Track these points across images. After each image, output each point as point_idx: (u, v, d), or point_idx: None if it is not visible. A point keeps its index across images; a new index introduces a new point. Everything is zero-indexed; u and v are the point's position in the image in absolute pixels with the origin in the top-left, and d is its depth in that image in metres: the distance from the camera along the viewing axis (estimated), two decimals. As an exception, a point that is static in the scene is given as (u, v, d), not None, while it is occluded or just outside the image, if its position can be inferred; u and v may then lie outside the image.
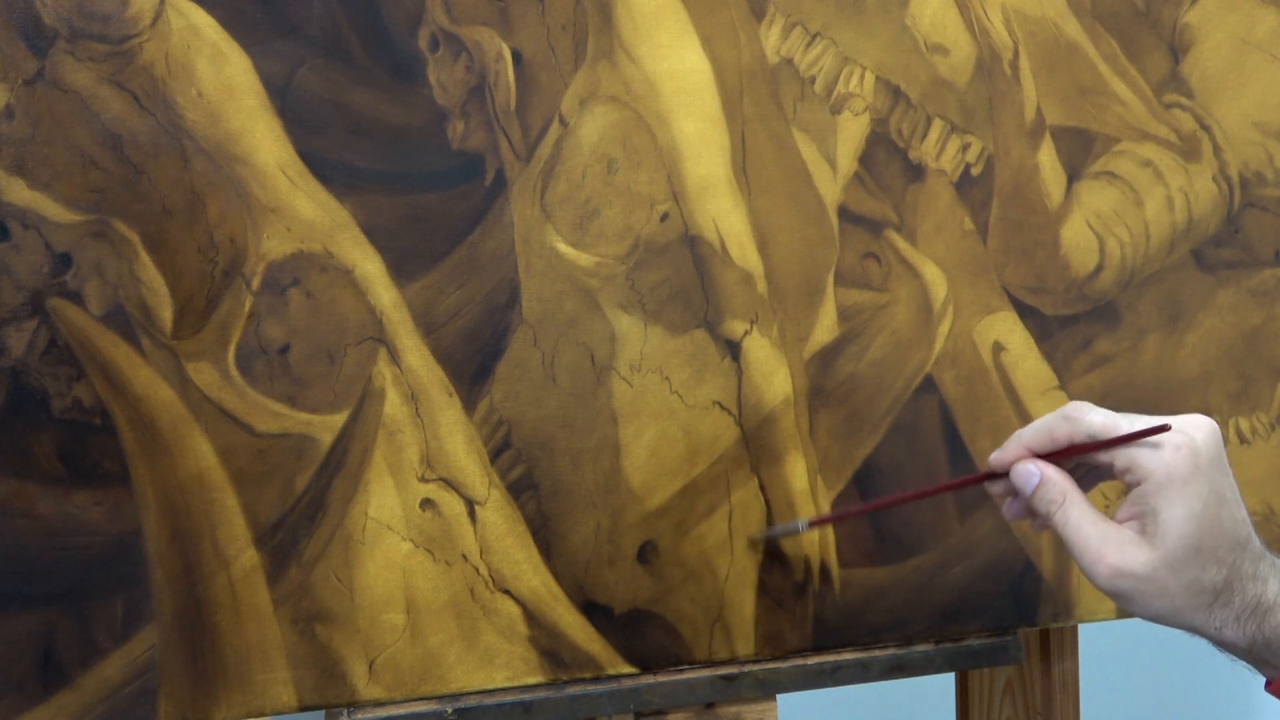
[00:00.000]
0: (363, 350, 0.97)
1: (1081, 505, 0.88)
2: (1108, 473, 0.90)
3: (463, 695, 0.99)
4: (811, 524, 1.04)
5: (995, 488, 0.93)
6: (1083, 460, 0.91)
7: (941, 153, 1.07)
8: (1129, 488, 0.88)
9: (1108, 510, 0.89)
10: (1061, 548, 1.10)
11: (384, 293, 0.97)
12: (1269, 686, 0.89)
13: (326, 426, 0.96)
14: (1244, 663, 0.90)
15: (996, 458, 0.91)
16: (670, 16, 1.01)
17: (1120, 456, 0.88)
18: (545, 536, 1.00)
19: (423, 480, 0.98)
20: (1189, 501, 0.86)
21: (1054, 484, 0.89)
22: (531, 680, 1.00)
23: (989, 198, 1.08)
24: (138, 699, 0.93)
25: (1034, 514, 0.91)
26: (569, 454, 1.01)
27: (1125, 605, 0.88)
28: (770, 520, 1.04)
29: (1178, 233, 1.12)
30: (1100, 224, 1.11)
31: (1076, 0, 1.09)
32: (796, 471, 1.05)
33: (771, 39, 1.03)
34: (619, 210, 1.01)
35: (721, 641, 1.04)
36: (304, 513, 0.96)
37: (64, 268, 0.92)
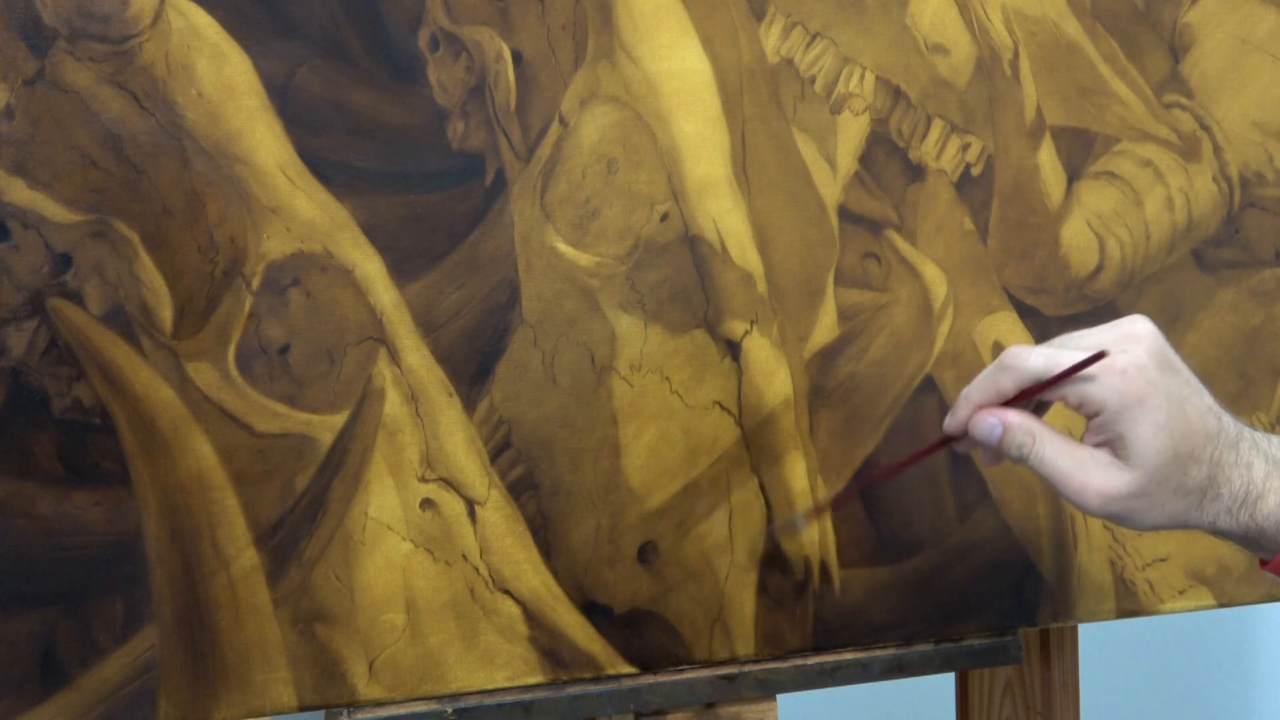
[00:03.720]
0: (363, 350, 0.97)
1: (1053, 440, 0.87)
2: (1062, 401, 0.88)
3: (463, 695, 0.99)
4: (809, 516, 1.03)
5: (962, 445, 0.91)
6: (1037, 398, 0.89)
7: (941, 153, 1.07)
8: (1088, 419, 0.87)
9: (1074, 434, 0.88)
10: (1061, 547, 1.10)
11: (384, 293, 0.97)
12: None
13: (326, 426, 0.96)
14: (1241, 547, 0.90)
15: (950, 423, 0.90)
16: (670, 17, 1.01)
17: (1070, 393, 0.86)
18: (545, 536, 1.00)
19: (423, 480, 0.98)
20: (1151, 416, 0.85)
21: (1018, 428, 0.87)
22: (531, 680, 1.00)
23: (989, 198, 1.08)
24: (138, 699, 0.93)
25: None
26: (569, 454, 1.01)
27: (1122, 524, 0.87)
28: (770, 521, 1.04)
29: (1178, 233, 1.12)
30: (1100, 224, 1.10)
31: (1076, 0, 1.09)
32: (796, 471, 1.05)
33: (771, 39, 1.03)
34: (619, 210, 1.01)
35: (721, 641, 1.04)
36: (304, 513, 0.96)
37: (64, 268, 0.92)
